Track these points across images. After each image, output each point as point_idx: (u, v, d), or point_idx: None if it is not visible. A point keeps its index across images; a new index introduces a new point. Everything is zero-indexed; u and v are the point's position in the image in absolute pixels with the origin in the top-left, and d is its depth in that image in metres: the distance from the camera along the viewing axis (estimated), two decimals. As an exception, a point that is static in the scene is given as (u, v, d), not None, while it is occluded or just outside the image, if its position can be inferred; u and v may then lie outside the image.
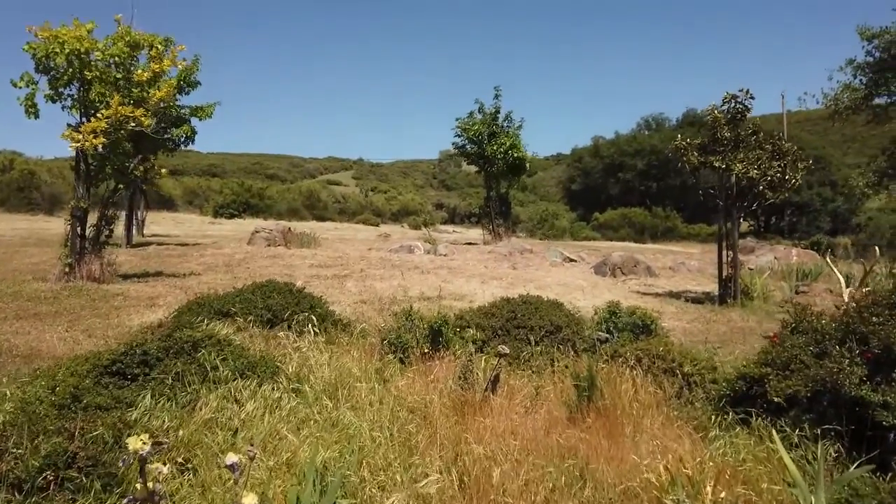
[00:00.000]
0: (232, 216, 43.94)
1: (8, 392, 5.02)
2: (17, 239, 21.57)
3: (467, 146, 26.10)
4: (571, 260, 19.01)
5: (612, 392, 5.95)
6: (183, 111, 19.81)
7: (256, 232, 21.60)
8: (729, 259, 12.09)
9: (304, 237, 21.55)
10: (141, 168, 11.61)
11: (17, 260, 15.11)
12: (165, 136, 19.65)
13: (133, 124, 10.51)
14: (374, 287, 11.87)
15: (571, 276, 15.89)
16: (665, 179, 60.74)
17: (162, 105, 11.25)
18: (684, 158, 12.31)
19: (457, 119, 25.97)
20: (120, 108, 10.19)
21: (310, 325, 6.75)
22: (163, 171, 13.86)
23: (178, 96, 19.39)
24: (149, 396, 4.63)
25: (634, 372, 6.23)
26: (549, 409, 5.84)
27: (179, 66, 11.54)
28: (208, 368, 5.14)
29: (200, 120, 20.20)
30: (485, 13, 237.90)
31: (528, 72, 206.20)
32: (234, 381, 5.11)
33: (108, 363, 5.24)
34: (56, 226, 21.80)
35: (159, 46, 11.24)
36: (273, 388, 5.16)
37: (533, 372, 6.82)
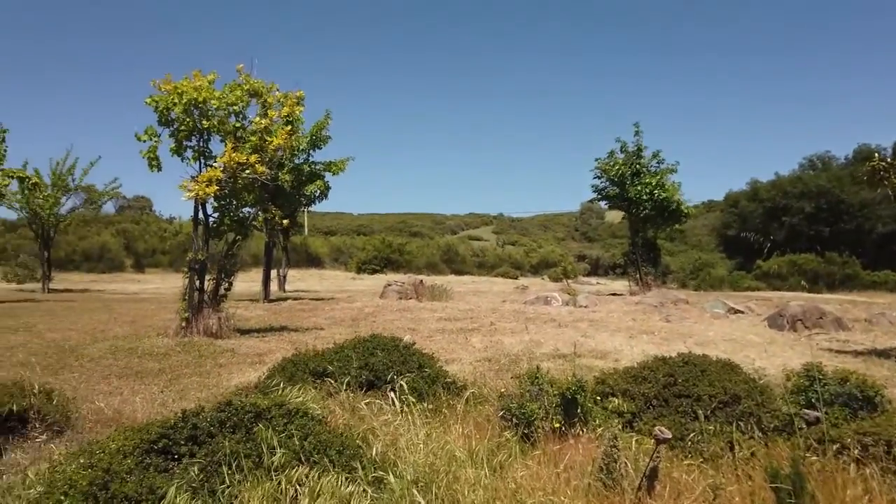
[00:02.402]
0: (374, 272, 44.66)
1: (44, 473, 4.17)
2: (170, 296, 22.58)
3: (608, 188, 24.18)
4: (738, 311, 16.37)
5: (831, 499, 4.04)
6: (316, 167, 19.99)
7: (388, 285, 21.06)
8: (959, 307, 9.30)
9: (435, 290, 20.67)
10: (260, 219, 11.15)
11: (158, 316, 15.38)
12: (301, 192, 19.87)
13: (248, 171, 10.10)
14: (501, 342, 10.44)
15: (740, 330, 13.43)
16: (838, 223, 54.18)
17: (279, 153, 10.81)
18: (884, 182, 9.87)
19: (596, 160, 24.19)
20: (233, 154, 9.83)
21: (396, 392, 5.39)
22: (284, 221, 13.52)
23: (311, 152, 19.73)
24: (173, 490, 3.51)
25: (866, 469, 4.25)
26: (734, 521, 4.04)
27: (298, 112, 11.13)
28: (264, 449, 3.96)
29: (333, 174, 20.30)
30: (626, 57, 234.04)
31: (673, 114, 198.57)
32: (294, 468, 3.88)
33: (155, 437, 4.25)
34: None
35: (277, 94, 10.91)
36: (344, 480, 3.87)
37: (704, 461, 5.00)
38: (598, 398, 6.06)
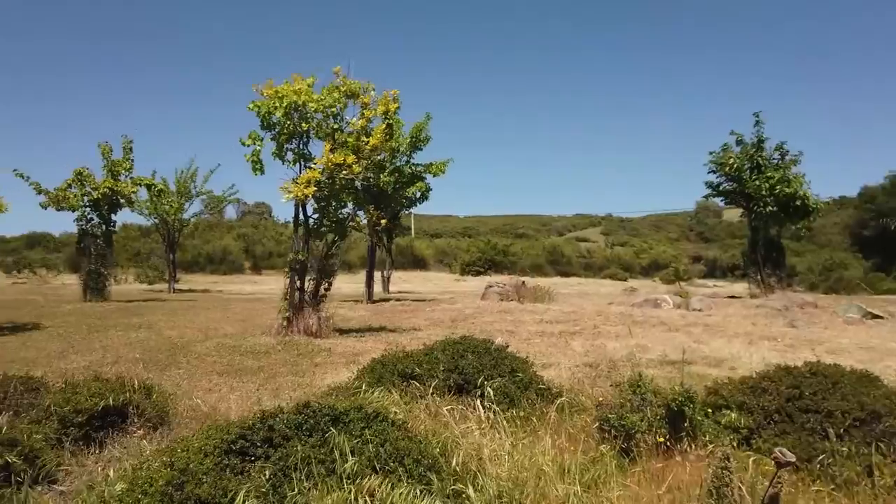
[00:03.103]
0: (478, 273, 44.60)
1: (128, 469, 4.22)
2: (281, 296, 23.38)
3: (723, 184, 22.57)
4: (876, 316, 14.69)
5: None
6: (417, 168, 20.07)
7: (490, 287, 20.78)
8: None
9: (538, 291, 20.16)
10: (359, 220, 11.24)
11: (267, 315, 15.87)
12: (402, 194, 20.00)
13: (345, 172, 10.17)
14: (604, 347, 9.86)
15: (879, 337, 12.00)
16: None
17: (379, 156, 10.83)
18: None
19: (710, 153, 22.66)
20: (331, 156, 9.92)
21: (486, 397, 5.06)
22: (383, 221, 13.57)
23: (412, 154, 19.83)
24: (241, 495, 3.38)
25: None
26: (875, 565, 3.40)
27: (393, 109, 11.09)
28: (336, 455, 3.77)
29: (434, 176, 20.30)
30: (742, 45, 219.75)
31: (799, 106, 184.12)
32: (367, 477, 3.66)
33: (234, 438, 4.18)
34: (337, 284, 23.34)
35: (373, 93, 10.92)
36: (419, 492, 3.60)
37: (836, 487, 4.33)
38: (710, 410, 5.45)
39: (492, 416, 4.90)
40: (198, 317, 15.60)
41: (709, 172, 23.04)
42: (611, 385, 6.39)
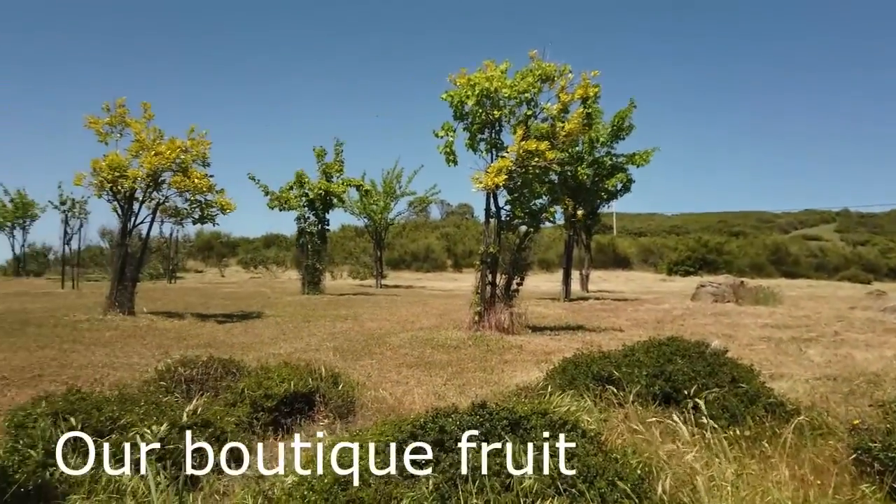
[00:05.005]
0: (687, 273, 41.40)
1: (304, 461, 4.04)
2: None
3: None
4: None
5: None
6: (618, 159, 18.83)
7: (702, 287, 18.88)
8: None
9: (759, 292, 17.86)
10: (551, 210, 10.59)
11: (463, 311, 15.70)
12: (601, 186, 18.90)
13: (537, 159, 9.58)
14: (851, 357, 8.14)
15: None
16: None
17: (574, 143, 10.10)
18: None
19: None
20: (522, 143, 9.39)
21: (700, 410, 4.13)
22: (579, 213, 12.75)
23: (613, 144, 18.67)
24: (402, 505, 2.94)
25: None
26: None
27: (592, 93, 10.24)
28: (512, 468, 3.20)
29: (637, 167, 18.91)
30: None
31: None
32: (549, 499, 3.03)
33: (405, 437, 3.81)
34: (535, 282, 22.97)
35: (570, 75, 10.20)
36: (614, 524, 2.89)
37: None
38: None
39: (707, 434, 3.98)
40: (398, 310, 16.05)
41: None
42: (870, 405, 5.04)
